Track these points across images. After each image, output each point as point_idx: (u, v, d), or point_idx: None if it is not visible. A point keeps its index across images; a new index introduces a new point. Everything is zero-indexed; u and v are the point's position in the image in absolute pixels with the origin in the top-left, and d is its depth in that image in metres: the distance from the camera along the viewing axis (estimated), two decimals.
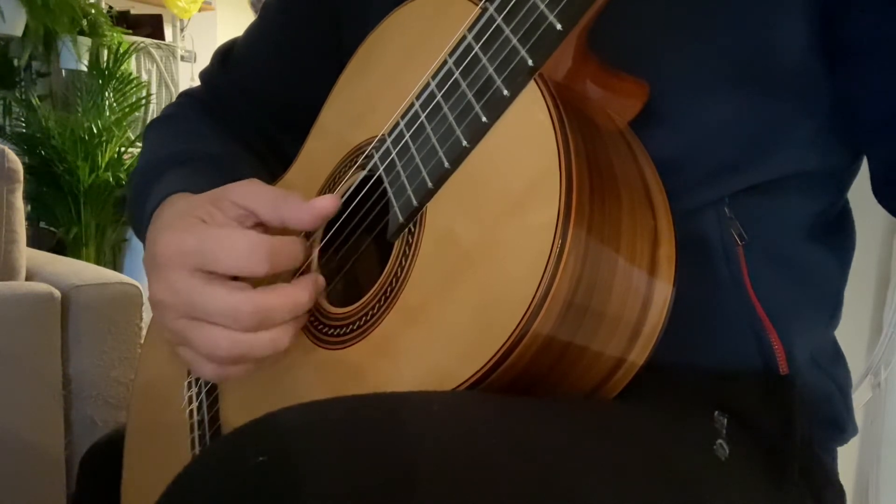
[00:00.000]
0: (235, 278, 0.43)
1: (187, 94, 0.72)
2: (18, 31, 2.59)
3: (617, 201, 0.36)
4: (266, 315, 0.41)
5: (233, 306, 0.40)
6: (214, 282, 0.41)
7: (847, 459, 0.84)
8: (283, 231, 0.44)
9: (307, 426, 0.30)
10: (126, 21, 3.06)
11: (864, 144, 0.47)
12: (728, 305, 0.46)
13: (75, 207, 2.64)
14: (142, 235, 0.54)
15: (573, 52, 0.38)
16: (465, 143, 0.39)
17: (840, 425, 0.51)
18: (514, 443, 0.31)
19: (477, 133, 0.39)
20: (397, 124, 0.45)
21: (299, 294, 0.42)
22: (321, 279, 0.45)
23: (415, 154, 0.42)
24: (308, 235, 0.49)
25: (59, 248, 2.55)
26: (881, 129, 0.44)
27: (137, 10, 3.28)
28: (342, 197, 0.47)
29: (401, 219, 0.42)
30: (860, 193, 0.51)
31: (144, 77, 3.19)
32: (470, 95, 0.39)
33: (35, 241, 2.29)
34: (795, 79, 0.45)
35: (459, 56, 0.41)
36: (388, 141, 0.45)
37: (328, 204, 0.44)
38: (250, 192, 0.44)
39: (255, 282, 0.42)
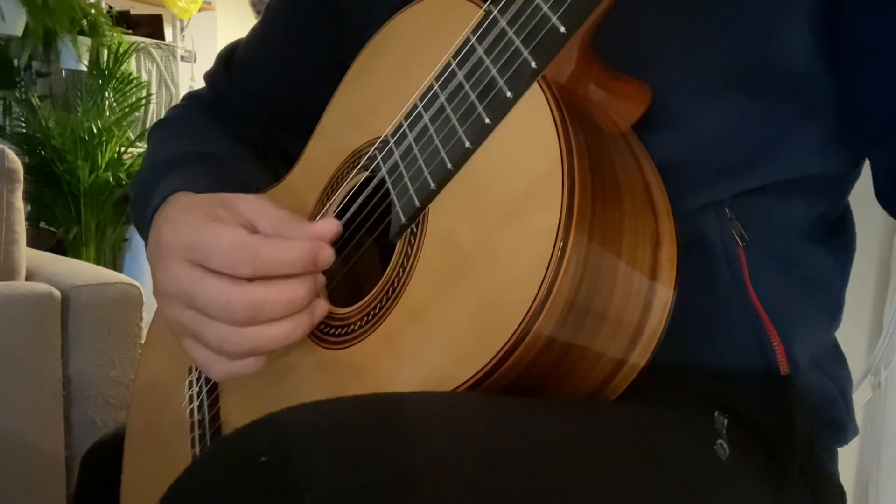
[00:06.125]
0: None
1: (192, 96, 0.72)
2: (18, 31, 2.59)
3: (619, 203, 0.36)
4: (260, 308, 0.41)
5: (226, 299, 0.40)
6: (212, 274, 0.42)
7: (847, 459, 0.84)
8: None
9: (308, 426, 0.30)
10: (126, 21, 3.06)
11: (867, 148, 0.47)
12: (729, 306, 0.46)
13: (75, 207, 2.64)
14: (144, 234, 0.55)
15: (576, 55, 0.38)
16: (467, 144, 0.39)
17: (840, 426, 0.51)
18: (515, 444, 0.32)
19: (479, 134, 0.39)
20: (400, 125, 0.45)
21: (296, 289, 0.42)
22: (321, 277, 0.45)
23: (417, 155, 0.42)
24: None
25: (59, 248, 2.55)
26: (885, 133, 0.44)
27: (137, 10, 3.28)
28: (343, 200, 0.47)
29: (403, 219, 0.42)
30: (860, 194, 0.51)
31: (144, 77, 3.18)
32: (473, 97, 0.40)
33: (35, 241, 2.29)
34: (798, 82, 0.45)
35: (463, 58, 0.41)
36: (392, 142, 0.45)
37: (327, 228, 0.44)
38: (257, 206, 0.45)
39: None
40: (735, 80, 0.44)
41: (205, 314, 0.42)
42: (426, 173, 0.41)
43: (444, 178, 0.40)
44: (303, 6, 0.64)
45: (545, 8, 0.36)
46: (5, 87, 2.68)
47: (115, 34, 2.87)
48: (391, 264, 0.42)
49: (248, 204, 0.45)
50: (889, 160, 0.45)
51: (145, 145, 0.68)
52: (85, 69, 2.77)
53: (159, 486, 0.30)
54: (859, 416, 0.61)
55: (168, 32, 3.36)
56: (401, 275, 0.41)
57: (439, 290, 0.38)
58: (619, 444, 0.36)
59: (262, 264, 0.41)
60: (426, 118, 0.42)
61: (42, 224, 2.73)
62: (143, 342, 1.19)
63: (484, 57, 0.40)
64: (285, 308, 0.41)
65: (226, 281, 0.41)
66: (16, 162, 1.24)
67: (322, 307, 0.44)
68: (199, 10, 3.26)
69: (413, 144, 0.43)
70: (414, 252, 0.41)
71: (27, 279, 1.27)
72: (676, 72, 0.44)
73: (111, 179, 2.68)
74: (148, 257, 0.50)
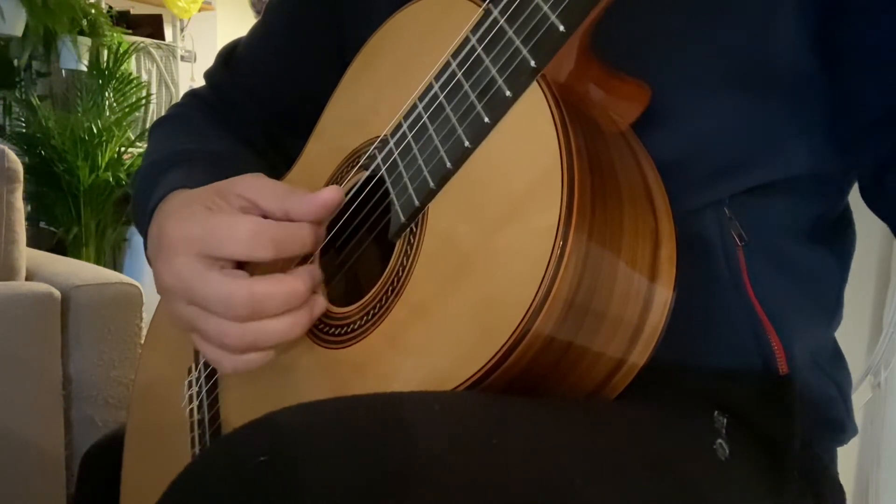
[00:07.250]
0: (241, 266, 0.43)
1: (192, 94, 0.72)
2: (18, 31, 2.59)
3: (618, 202, 0.36)
4: (260, 303, 0.41)
5: (227, 293, 0.41)
6: (213, 268, 0.42)
7: (847, 459, 0.84)
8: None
9: (307, 426, 0.30)
10: (126, 21, 3.06)
11: (855, 147, 0.47)
12: (728, 306, 0.46)
13: (75, 207, 2.64)
14: (144, 230, 0.55)
15: (576, 54, 0.38)
16: (467, 143, 0.39)
17: (840, 425, 0.51)
18: (515, 443, 0.32)
19: (479, 133, 0.39)
20: (400, 125, 0.45)
21: (295, 283, 0.42)
22: (318, 272, 0.45)
23: (417, 154, 0.42)
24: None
25: (59, 248, 2.55)
26: (870, 131, 0.44)
27: (137, 10, 3.28)
28: (345, 195, 0.47)
29: (402, 218, 0.42)
30: (860, 194, 0.51)
31: (144, 77, 3.19)
32: (472, 96, 0.40)
33: (35, 241, 2.28)
34: (795, 82, 0.45)
35: (462, 57, 0.41)
36: (391, 141, 0.45)
37: (333, 195, 0.44)
38: (254, 184, 0.45)
39: (257, 272, 0.43)
40: (734, 79, 0.44)
41: (205, 309, 0.42)
42: (425, 172, 0.41)
43: (443, 178, 0.40)
44: (303, 5, 0.64)
45: (545, 7, 0.36)
46: (5, 87, 2.68)
47: (115, 34, 2.87)
48: (391, 263, 0.42)
49: (244, 183, 0.45)
50: (872, 159, 0.45)
51: (145, 145, 0.68)
52: (85, 69, 2.77)
53: (159, 486, 0.30)
54: (859, 416, 0.61)
55: (168, 32, 3.36)
56: (401, 274, 0.41)
57: (439, 290, 0.38)
58: (619, 444, 0.36)
59: (281, 247, 0.42)
60: (425, 117, 0.42)
61: (42, 224, 2.73)
62: (143, 342, 1.19)
63: (483, 56, 0.40)
64: (285, 303, 0.42)
65: (227, 275, 0.41)
66: (16, 162, 1.24)
67: (321, 303, 0.44)
68: (199, 10, 3.26)
69: (412, 144, 0.43)
70: (414, 251, 0.41)
71: (27, 279, 1.27)
72: (674, 71, 0.44)
73: (111, 179, 2.68)
74: (148, 254, 0.50)
